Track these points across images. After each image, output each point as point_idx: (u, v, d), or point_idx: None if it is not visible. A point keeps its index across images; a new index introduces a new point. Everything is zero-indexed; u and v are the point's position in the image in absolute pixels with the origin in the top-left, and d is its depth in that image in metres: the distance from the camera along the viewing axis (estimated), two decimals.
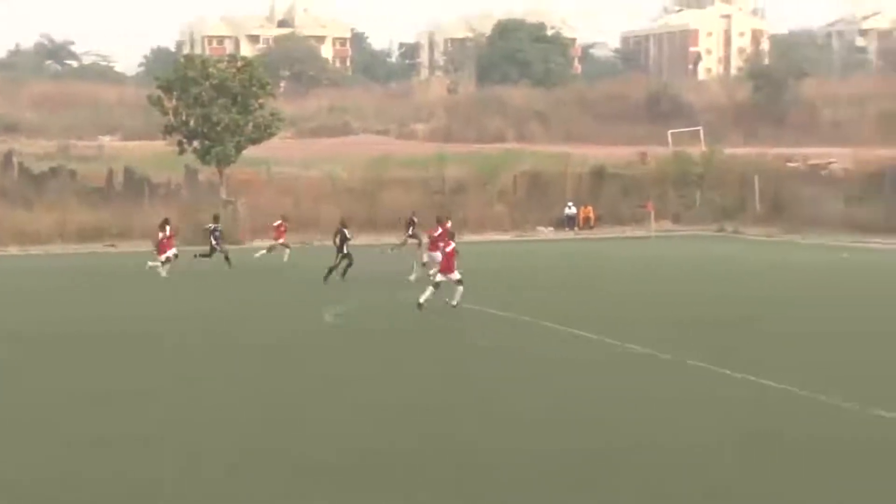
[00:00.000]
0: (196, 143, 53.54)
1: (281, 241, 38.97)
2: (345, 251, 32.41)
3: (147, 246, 39.74)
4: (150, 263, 35.29)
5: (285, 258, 38.15)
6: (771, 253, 44.23)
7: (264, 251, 39.54)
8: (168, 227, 35.63)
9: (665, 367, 19.62)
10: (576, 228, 56.65)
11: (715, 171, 59.68)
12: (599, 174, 59.85)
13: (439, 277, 26.31)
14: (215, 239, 36.46)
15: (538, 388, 17.99)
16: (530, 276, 36.35)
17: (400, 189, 55.08)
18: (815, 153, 64.30)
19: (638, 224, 55.95)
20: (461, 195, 55.22)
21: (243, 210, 50.35)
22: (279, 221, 39.51)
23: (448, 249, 26.60)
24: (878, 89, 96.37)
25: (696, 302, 28.69)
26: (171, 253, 35.24)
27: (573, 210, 57.21)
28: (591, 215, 57.44)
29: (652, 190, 57.31)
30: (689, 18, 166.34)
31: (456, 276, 26.12)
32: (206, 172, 55.72)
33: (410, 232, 39.71)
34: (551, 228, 56.73)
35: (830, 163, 60.59)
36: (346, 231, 32.73)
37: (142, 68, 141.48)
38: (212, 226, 36.93)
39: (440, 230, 29.83)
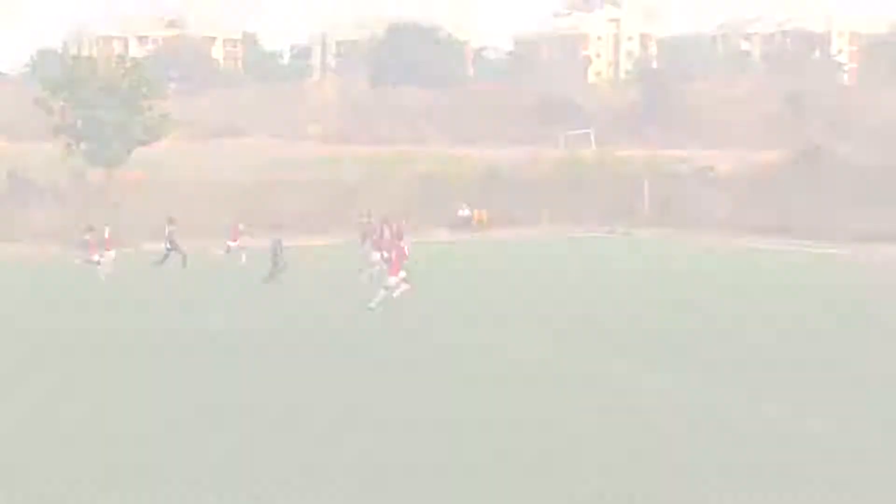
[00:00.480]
0: (84, 145, 52.55)
1: (236, 242, 38.67)
2: (276, 260, 33.15)
3: (30, 249, 39.01)
4: (100, 275, 34.55)
5: (243, 259, 37.78)
6: (659, 253, 45.02)
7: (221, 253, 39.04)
8: (107, 231, 35.47)
9: (552, 369, 19.87)
10: (469, 230, 56.87)
11: (606, 173, 60.48)
12: (493, 176, 60.22)
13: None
14: (170, 242, 36.20)
15: (406, 389, 18.10)
16: (423, 277, 36.42)
17: (294, 191, 54.71)
18: (702, 155, 65.58)
19: (531, 225, 56.44)
20: (355, 197, 55.01)
21: (132, 212, 49.41)
22: (238, 224, 39.35)
23: (393, 254, 26.82)
24: (762, 92, 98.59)
25: (583, 303, 29.09)
26: (111, 255, 34.83)
27: (467, 212, 57.46)
28: (485, 217, 57.75)
29: (544, 191, 57.86)
30: (578, 22, 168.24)
31: (391, 281, 26.16)
32: (95, 175, 54.71)
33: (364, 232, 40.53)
34: (446, 230, 56.87)
35: (716, 166, 61.84)
36: (279, 240, 33.62)
37: (27, 69, 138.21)
38: (168, 228, 36.86)
39: (385, 232, 30.72)
